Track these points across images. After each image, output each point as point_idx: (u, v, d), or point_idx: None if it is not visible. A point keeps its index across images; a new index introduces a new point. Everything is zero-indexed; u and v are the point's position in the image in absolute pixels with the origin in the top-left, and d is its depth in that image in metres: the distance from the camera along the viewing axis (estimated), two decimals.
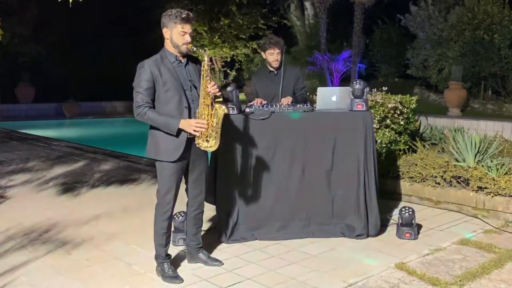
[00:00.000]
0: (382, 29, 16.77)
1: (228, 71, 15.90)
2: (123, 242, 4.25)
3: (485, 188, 4.89)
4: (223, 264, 3.73)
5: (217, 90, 3.38)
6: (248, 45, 15.09)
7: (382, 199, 4.65)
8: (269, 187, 4.28)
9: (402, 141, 6.01)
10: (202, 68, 3.41)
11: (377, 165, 4.37)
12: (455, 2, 13.50)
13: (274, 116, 4.28)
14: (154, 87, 3.37)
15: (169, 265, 3.53)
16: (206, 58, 3.37)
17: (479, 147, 5.37)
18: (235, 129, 4.16)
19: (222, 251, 4.03)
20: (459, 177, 5.16)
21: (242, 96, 10.15)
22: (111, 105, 18.16)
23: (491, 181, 4.87)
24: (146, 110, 3.34)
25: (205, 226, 4.17)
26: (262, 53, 4.88)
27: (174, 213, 3.68)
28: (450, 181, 5.22)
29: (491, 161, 5.21)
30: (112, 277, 3.54)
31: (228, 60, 15.84)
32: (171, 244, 3.66)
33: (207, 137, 3.38)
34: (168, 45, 3.45)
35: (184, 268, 3.68)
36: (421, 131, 7.20)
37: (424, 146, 6.03)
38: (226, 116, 3.67)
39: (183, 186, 3.64)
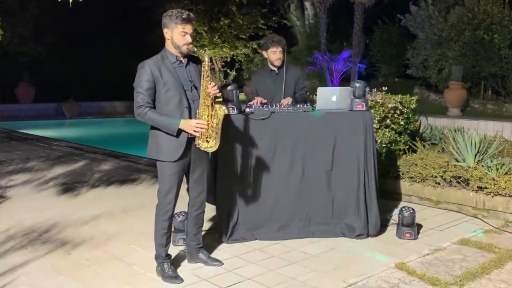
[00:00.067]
0: (382, 29, 16.77)
1: (228, 71, 15.91)
2: (123, 242, 4.25)
3: (485, 188, 4.89)
4: (223, 264, 3.73)
5: (218, 91, 3.39)
6: (248, 45, 15.10)
7: (382, 199, 4.65)
8: (269, 187, 4.29)
9: (402, 141, 6.01)
10: (202, 68, 3.41)
11: (377, 165, 4.38)
12: (455, 2, 13.49)
13: (274, 116, 4.28)
14: (155, 87, 3.37)
15: (169, 265, 3.53)
16: (206, 59, 3.38)
17: (479, 147, 5.38)
18: (235, 129, 4.16)
19: (222, 251, 4.04)
20: (459, 177, 5.16)
21: (242, 96, 10.14)
22: (111, 105, 18.15)
23: (491, 181, 4.87)
24: (147, 110, 3.34)
25: (205, 226, 4.17)
26: (264, 52, 4.87)
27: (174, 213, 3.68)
28: (450, 181, 5.22)
29: (491, 161, 5.21)
30: (112, 277, 3.55)
31: (228, 60, 15.85)
32: (171, 244, 3.66)
33: (207, 137, 3.39)
34: (169, 45, 3.45)
35: (184, 268, 3.68)
36: (421, 131, 7.20)
37: (424, 146, 6.03)
38: (226, 117, 3.67)
39: (184, 186, 3.64)
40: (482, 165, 5.17)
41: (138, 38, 16.76)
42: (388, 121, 5.83)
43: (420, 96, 12.06)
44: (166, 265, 3.52)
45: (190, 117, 3.41)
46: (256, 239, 4.25)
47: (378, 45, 16.89)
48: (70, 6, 4.78)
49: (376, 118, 5.69)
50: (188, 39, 3.39)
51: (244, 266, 3.73)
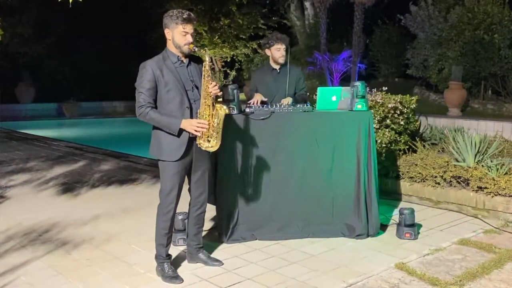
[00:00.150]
0: (382, 29, 16.76)
1: (228, 71, 15.89)
2: (123, 242, 4.25)
3: (485, 188, 4.90)
4: (223, 264, 3.73)
5: (218, 90, 3.40)
6: (248, 45, 15.08)
7: (382, 199, 4.66)
8: (269, 187, 4.29)
9: (402, 141, 6.00)
10: (203, 68, 3.42)
11: (377, 165, 4.38)
12: (455, 2, 13.48)
13: (274, 116, 4.28)
14: (156, 87, 3.38)
15: (169, 265, 3.53)
16: (207, 58, 3.38)
17: (479, 147, 5.38)
18: (235, 129, 4.16)
19: (222, 251, 4.04)
20: (459, 177, 5.16)
21: (242, 96, 10.14)
22: (111, 105, 18.16)
23: (491, 181, 4.87)
24: (148, 110, 3.35)
25: (206, 226, 4.17)
26: (267, 50, 4.83)
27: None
28: (450, 181, 5.22)
29: (491, 161, 5.21)
30: (112, 277, 3.55)
31: (228, 60, 15.83)
32: (171, 244, 3.66)
33: (208, 137, 3.39)
34: (170, 45, 3.46)
35: (184, 268, 3.68)
36: (421, 131, 7.19)
37: (424, 146, 6.03)
38: (227, 116, 3.67)
39: (185, 186, 3.64)
40: (482, 165, 5.17)
41: (138, 38, 16.78)
42: (388, 121, 5.83)
43: (420, 96, 12.05)
44: (166, 265, 3.52)
45: (191, 117, 3.41)
46: (256, 239, 4.25)
47: (378, 45, 16.88)
48: (70, 6, 4.77)
49: (376, 118, 5.69)
50: (189, 39, 3.39)
51: (244, 266, 3.73)
